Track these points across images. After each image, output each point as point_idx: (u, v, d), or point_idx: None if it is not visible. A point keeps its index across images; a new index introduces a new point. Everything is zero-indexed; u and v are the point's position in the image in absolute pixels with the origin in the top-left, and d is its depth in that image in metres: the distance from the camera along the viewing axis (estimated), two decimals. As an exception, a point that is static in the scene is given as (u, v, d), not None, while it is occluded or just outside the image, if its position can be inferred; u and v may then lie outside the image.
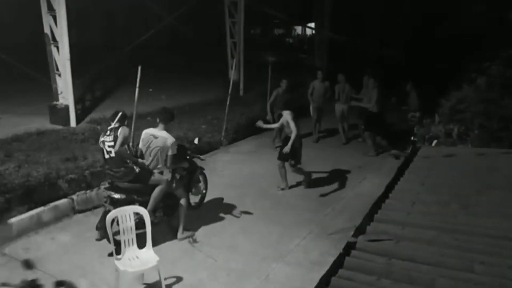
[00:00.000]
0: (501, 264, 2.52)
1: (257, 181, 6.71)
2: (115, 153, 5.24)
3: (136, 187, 5.23)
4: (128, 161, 5.15)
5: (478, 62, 7.97)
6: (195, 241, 5.43)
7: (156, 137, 5.24)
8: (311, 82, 10.08)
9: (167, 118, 5.38)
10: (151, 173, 5.22)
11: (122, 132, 5.29)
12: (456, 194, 3.70)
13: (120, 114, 5.47)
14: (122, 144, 5.22)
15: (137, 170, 5.15)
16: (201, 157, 6.17)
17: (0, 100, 9.93)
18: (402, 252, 2.69)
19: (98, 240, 5.16)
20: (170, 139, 5.21)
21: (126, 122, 5.56)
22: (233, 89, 10.07)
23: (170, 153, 5.20)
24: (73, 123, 8.71)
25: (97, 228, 5.20)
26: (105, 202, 5.13)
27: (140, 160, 5.22)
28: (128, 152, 5.22)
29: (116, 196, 5.05)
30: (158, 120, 5.37)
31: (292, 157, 6.91)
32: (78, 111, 9.03)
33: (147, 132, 5.37)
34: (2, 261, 4.86)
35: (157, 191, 5.21)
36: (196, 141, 6.32)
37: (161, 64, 15.12)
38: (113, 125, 5.48)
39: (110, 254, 4.98)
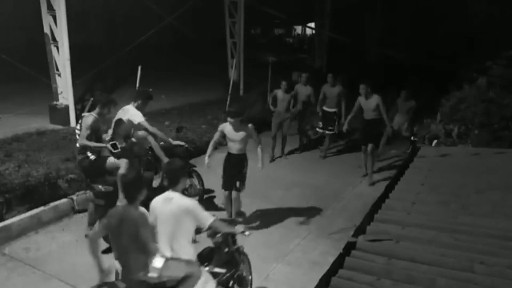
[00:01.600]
0: (501, 264, 2.52)
1: (257, 181, 6.69)
2: (79, 144, 5.18)
3: None
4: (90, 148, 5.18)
5: (478, 62, 7.98)
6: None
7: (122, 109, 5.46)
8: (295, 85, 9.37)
9: (136, 96, 5.55)
10: (105, 158, 5.19)
11: (84, 122, 5.13)
12: (456, 194, 3.71)
13: (90, 101, 5.35)
14: (85, 134, 5.06)
15: (92, 157, 5.14)
16: (181, 143, 5.97)
17: (0, 100, 9.93)
18: (402, 252, 2.69)
19: (87, 236, 5.19)
20: (133, 110, 5.37)
21: (98, 110, 5.24)
22: (233, 89, 10.07)
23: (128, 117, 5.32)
24: (73, 123, 8.69)
25: (90, 224, 5.24)
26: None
27: (101, 144, 5.18)
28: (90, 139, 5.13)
29: (102, 188, 5.06)
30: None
31: (240, 179, 5.70)
32: (78, 111, 9.03)
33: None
34: (2, 261, 4.86)
35: (118, 175, 5.08)
36: (178, 131, 6.40)
37: (161, 64, 15.12)
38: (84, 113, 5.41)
39: (104, 251, 4.99)
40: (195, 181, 6.34)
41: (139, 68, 7.33)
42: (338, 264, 2.65)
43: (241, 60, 13.07)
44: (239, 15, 12.91)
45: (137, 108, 5.55)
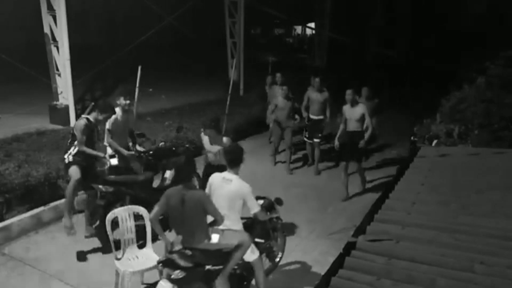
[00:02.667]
0: (501, 264, 2.52)
1: (257, 181, 6.66)
2: (78, 150, 5.15)
3: (122, 179, 5.31)
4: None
5: (478, 61, 7.97)
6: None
7: None
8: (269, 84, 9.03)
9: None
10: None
11: (76, 126, 5.11)
12: (456, 194, 3.70)
13: (91, 105, 5.32)
14: (82, 140, 5.04)
15: (66, 160, 5.17)
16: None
17: (0, 100, 9.93)
18: (402, 252, 2.69)
19: (87, 237, 5.20)
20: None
21: (95, 115, 5.22)
22: (233, 89, 10.06)
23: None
24: (73, 123, 8.69)
25: (90, 224, 5.26)
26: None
27: (99, 154, 5.28)
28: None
29: (103, 188, 5.08)
30: None
31: None
32: (78, 111, 9.03)
33: None
34: (2, 261, 4.87)
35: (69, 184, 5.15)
36: (178, 131, 6.48)
37: (161, 64, 15.12)
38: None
39: (104, 251, 5.00)
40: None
41: (139, 68, 7.34)
42: (338, 264, 2.65)
43: (241, 60, 13.08)
44: (239, 15, 12.93)
45: (123, 105, 5.83)
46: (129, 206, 4.56)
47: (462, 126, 6.82)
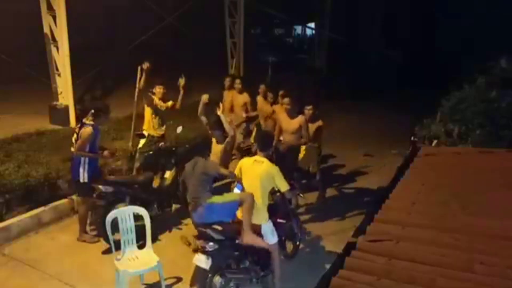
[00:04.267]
0: (501, 264, 2.52)
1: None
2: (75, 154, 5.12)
3: (122, 179, 5.35)
4: None
5: (478, 61, 7.98)
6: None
7: None
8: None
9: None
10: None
11: (83, 133, 5.02)
12: (456, 194, 3.70)
13: (91, 111, 5.15)
14: (83, 147, 5.01)
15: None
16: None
17: (0, 100, 9.92)
18: (402, 252, 2.69)
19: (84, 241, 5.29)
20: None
21: (101, 119, 5.18)
22: (233, 89, 10.02)
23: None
24: (73, 123, 8.69)
25: (90, 224, 5.28)
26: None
27: (96, 155, 5.26)
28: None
29: (103, 189, 5.08)
30: None
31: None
32: (78, 111, 9.02)
33: None
34: (2, 261, 4.87)
35: None
36: (179, 130, 6.44)
37: (161, 64, 15.09)
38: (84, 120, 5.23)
39: (105, 252, 5.00)
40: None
41: (139, 68, 7.33)
42: (338, 264, 2.65)
43: (241, 60, 13.06)
44: (239, 15, 12.91)
45: (157, 93, 6.86)
46: (129, 206, 4.56)
47: (462, 126, 6.82)
